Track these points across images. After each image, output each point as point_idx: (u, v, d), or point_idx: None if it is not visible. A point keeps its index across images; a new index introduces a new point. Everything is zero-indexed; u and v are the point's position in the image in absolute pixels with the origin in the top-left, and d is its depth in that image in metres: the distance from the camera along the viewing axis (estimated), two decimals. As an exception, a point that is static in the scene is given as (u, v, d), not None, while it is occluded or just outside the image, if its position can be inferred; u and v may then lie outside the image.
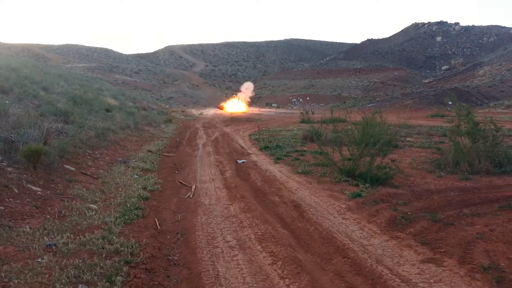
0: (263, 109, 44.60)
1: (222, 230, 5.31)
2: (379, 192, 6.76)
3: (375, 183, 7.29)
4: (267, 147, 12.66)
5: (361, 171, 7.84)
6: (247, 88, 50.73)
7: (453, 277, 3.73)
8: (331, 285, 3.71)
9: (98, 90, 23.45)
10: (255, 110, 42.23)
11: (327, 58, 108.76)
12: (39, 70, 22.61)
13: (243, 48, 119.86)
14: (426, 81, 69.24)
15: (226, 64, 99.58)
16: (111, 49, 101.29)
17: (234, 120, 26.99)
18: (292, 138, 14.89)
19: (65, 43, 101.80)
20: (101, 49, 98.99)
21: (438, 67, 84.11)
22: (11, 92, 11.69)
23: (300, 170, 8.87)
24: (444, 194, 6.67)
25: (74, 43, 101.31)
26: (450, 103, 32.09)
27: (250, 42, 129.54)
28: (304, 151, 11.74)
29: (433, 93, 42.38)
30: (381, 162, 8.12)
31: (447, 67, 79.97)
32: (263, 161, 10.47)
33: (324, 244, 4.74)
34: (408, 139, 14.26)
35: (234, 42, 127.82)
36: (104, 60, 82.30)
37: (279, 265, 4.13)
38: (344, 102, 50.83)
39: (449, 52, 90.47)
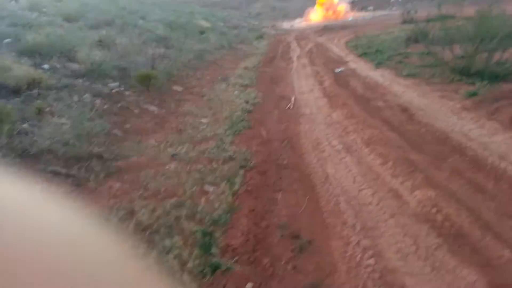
0: (358, 14, 41.19)
1: (327, 136, 5.35)
2: (499, 90, 6.04)
3: (494, 80, 6.49)
4: (366, 53, 11.89)
5: (478, 69, 7.02)
6: None
7: None
8: (448, 182, 3.58)
9: (190, 13, 23.83)
10: (348, 15, 39.28)
11: None
12: (135, -1, 23.55)
13: None
14: None
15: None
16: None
17: (327, 29, 25.52)
18: (394, 41, 13.66)
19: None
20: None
21: None
22: (113, 23, 12.51)
23: (405, 73, 8.25)
24: None
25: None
26: None
27: None
28: (408, 53, 10.77)
29: None
30: (501, 58, 7.13)
31: None
32: (363, 68, 9.94)
33: (438, 144, 4.51)
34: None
35: None
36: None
37: (389, 165, 4.08)
38: (453, -5, 44.23)
39: None
